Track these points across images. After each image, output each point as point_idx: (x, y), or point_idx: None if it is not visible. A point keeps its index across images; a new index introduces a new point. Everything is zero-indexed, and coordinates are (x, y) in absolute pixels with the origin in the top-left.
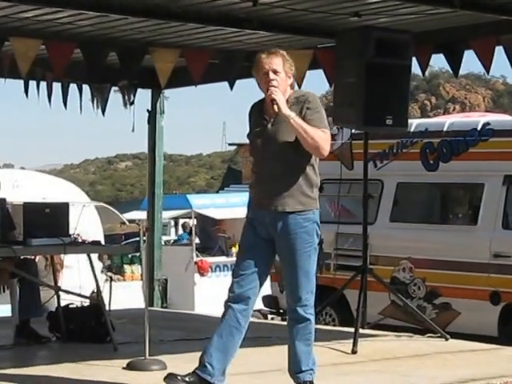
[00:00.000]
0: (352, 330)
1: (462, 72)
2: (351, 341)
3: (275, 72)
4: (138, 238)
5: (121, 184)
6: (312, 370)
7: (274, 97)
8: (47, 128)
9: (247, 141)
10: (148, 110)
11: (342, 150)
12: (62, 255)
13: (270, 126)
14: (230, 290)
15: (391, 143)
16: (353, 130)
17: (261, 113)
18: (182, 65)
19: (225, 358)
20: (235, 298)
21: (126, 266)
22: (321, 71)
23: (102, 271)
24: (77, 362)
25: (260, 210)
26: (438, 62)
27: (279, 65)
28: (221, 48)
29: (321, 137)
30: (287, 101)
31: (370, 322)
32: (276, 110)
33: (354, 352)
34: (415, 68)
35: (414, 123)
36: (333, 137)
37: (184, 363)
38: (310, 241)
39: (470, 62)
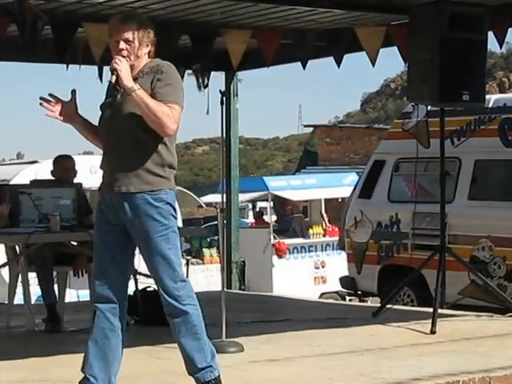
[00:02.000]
0: (430, 310)
1: None
2: (430, 321)
3: (126, 41)
4: (216, 222)
5: (198, 169)
6: (211, 366)
7: (115, 66)
8: None
9: (323, 122)
10: (220, 91)
11: (417, 128)
12: None
13: (119, 97)
14: (94, 289)
15: (468, 120)
16: (429, 107)
17: (115, 84)
18: (254, 46)
19: (106, 365)
20: (99, 298)
21: (204, 250)
22: (397, 50)
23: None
24: (154, 344)
25: (107, 192)
26: None
27: (132, 33)
28: (293, 28)
29: (165, 113)
30: (141, 70)
31: (449, 301)
32: (113, 80)
33: (432, 332)
34: (492, 44)
35: (492, 99)
36: (408, 114)
37: (261, 345)
38: (165, 223)
39: None
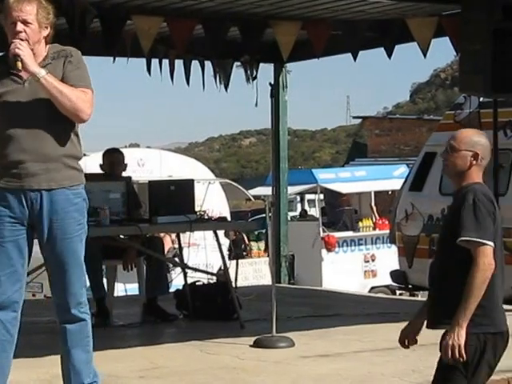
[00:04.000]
0: None
1: None
2: None
3: (25, 22)
4: (264, 215)
5: (245, 161)
6: (95, 382)
7: (17, 51)
8: (172, 108)
9: (371, 113)
10: (270, 84)
11: (469, 120)
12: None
13: (27, 85)
14: None
15: None
16: (481, 99)
17: (10, 69)
18: (304, 38)
19: (3, 379)
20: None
21: (252, 243)
22: (446, 39)
23: (229, 249)
24: (203, 339)
25: (13, 188)
26: None
27: (31, 13)
28: (343, 19)
29: (79, 97)
30: (46, 56)
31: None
32: (19, 67)
33: None
34: None
35: None
36: (460, 106)
37: (312, 340)
38: (81, 222)
39: None
